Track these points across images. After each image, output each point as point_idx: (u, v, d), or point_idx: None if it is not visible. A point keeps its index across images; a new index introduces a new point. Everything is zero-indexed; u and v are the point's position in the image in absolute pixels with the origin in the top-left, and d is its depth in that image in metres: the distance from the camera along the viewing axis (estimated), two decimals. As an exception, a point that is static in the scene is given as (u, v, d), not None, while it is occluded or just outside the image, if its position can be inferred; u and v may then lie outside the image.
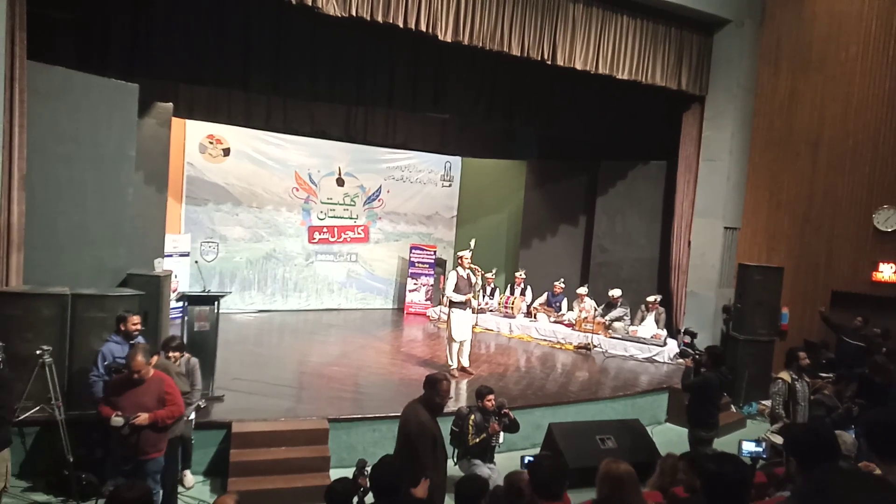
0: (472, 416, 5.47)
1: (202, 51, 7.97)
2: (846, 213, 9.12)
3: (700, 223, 9.94)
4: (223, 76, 8.37)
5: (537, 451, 6.05)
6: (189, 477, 5.53)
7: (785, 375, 5.75)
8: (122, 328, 5.41)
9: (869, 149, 8.93)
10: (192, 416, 5.47)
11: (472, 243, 8.44)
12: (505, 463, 5.06)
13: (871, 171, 8.92)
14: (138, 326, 5.50)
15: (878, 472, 3.27)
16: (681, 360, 9.10)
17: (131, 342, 5.40)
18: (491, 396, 5.52)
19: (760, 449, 3.83)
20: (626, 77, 8.84)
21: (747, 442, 3.83)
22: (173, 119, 9.19)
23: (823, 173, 9.34)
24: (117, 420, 4.24)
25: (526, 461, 3.74)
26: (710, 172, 9.84)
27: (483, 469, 5.36)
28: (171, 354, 5.37)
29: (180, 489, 5.41)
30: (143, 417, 4.26)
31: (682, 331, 8.49)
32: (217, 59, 8.09)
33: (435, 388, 4.24)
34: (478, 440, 5.39)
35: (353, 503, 3.83)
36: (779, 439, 5.34)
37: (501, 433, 5.51)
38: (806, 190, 9.50)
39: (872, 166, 8.91)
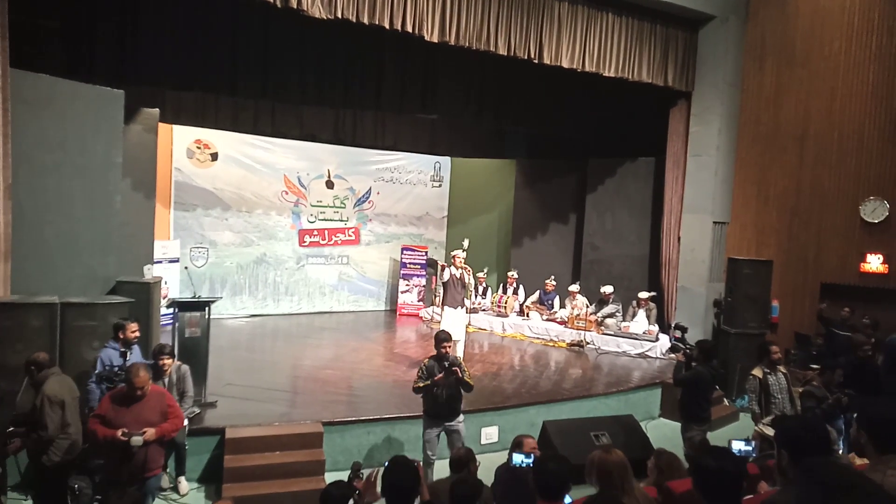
0: (426, 361, 5.49)
1: (189, 56, 7.93)
2: (833, 206, 9.20)
3: (689, 219, 10.00)
4: (210, 81, 8.34)
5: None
6: (184, 484, 5.50)
7: (757, 371, 5.81)
8: (122, 336, 5.41)
9: (854, 141, 9.01)
10: (186, 422, 5.44)
11: (466, 243, 8.45)
12: (500, 461, 5.04)
13: (857, 163, 9.00)
14: (137, 334, 5.50)
15: (860, 461, 3.31)
16: (672, 355, 9.18)
17: (123, 350, 5.39)
18: (447, 344, 5.47)
19: (750, 448, 3.84)
20: (612, 74, 8.88)
21: (736, 441, 3.84)
22: (160, 125, 9.15)
23: (810, 167, 9.42)
24: (137, 440, 4.07)
25: (516, 459, 3.73)
26: (697, 168, 9.90)
27: (431, 434, 5.40)
28: (163, 361, 5.36)
29: (175, 496, 5.39)
30: (150, 432, 4.16)
31: (673, 325, 8.55)
32: (204, 64, 8.06)
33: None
34: (421, 385, 5.37)
35: None
36: (771, 431, 5.38)
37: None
38: (793, 183, 9.58)
39: (858, 158, 8.99)
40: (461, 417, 5.59)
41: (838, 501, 1.41)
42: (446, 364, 5.36)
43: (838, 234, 9.15)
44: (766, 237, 9.84)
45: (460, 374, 5.35)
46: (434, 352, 5.54)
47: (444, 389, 5.35)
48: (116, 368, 5.15)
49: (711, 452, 2.32)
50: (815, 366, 7.71)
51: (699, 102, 9.88)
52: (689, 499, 3.07)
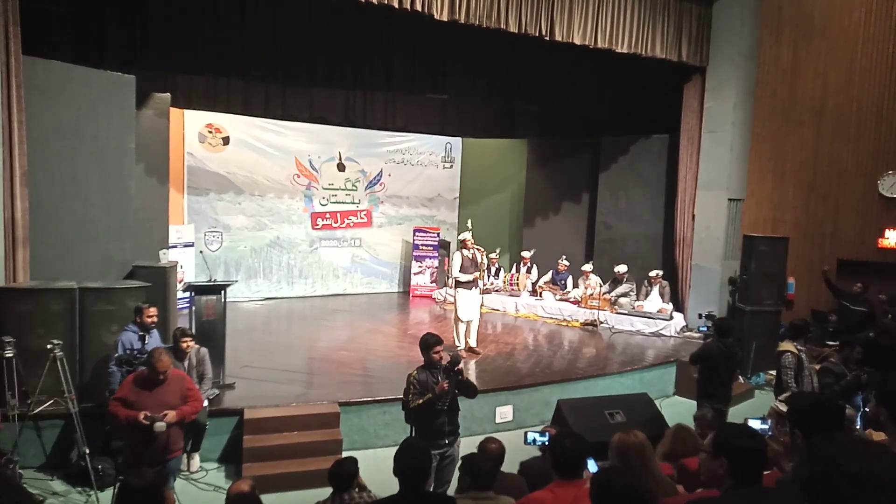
0: (415, 373, 4.55)
1: (199, 40, 7.92)
2: (851, 181, 9.06)
3: (704, 196, 9.89)
4: (220, 64, 8.33)
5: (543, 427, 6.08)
6: (196, 460, 5.60)
7: (791, 347, 5.76)
8: (139, 319, 5.50)
9: (873, 115, 8.84)
10: (206, 403, 5.53)
11: (469, 223, 8.46)
12: (515, 441, 5.09)
13: (876, 137, 8.84)
14: (154, 318, 5.58)
15: (877, 437, 3.30)
16: (687, 334, 9.20)
17: (142, 333, 5.48)
18: (439, 348, 4.58)
19: (766, 426, 3.84)
20: (625, 50, 8.73)
21: (753, 420, 3.86)
22: (171, 109, 9.17)
23: (828, 141, 9.26)
24: (161, 425, 4.13)
25: (530, 438, 3.74)
26: (712, 144, 9.76)
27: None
28: (186, 342, 5.43)
29: (189, 475, 5.48)
30: (171, 415, 4.23)
31: (705, 315, 8.55)
32: (214, 48, 8.04)
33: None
34: (421, 402, 4.41)
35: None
36: (785, 408, 5.36)
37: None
38: (810, 159, 9.43)
39: (877, 132, 8.83)
40: (460, 439, 4.74)
41: (848, 483, 1.40)
42: (448, 366, 4.50)
43: (856, 209, 9.02)
44: (783, 213, 9.73)
45: (465, 377, 4.60)
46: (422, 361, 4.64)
47: (446, 401, 4.50)
48: (136, 352, 5.25)
49: (744, 433, 2.31)
50: (831, 342, 7.66)
51: (714, 77, 9.70)
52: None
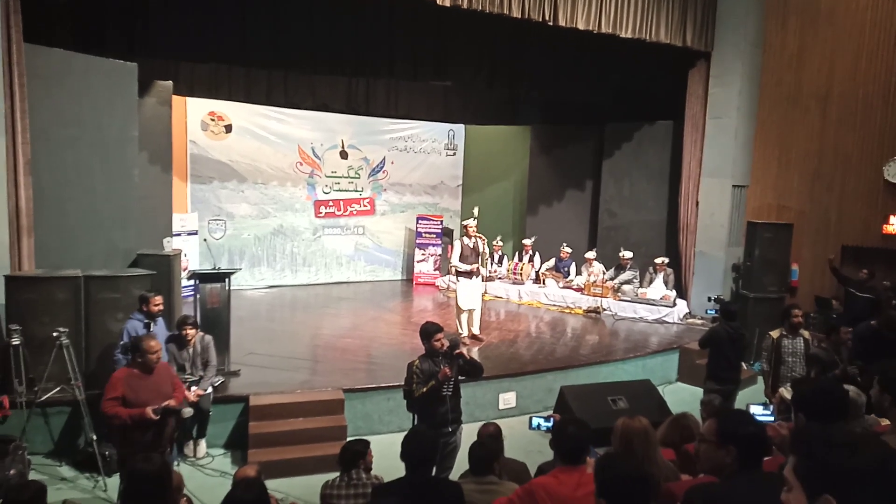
0: (417, 363, 4.56)
1: (200, 27, 7.88)
2: (856, 168, 9.00)
3: (708, 182, 9.84)
4: (222, 52, 8.29)
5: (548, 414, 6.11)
6: (202, 446, 5.66)
7: (774, 332, 5.83)
8: (145, 308, 5.52)
9: (879, 101, 8.76)
10: (210, 389, 5.57)
11: (476, 211, 8.44)
12: (518, 427, 5.12)
13: (882, 123, 8.76)
14: (160, 307, 5.61)
15: (884, 423, 3.30)
16: (690, 321, 9.19)
17: (147, 321, 5.51)
18: (440, 335, 4.57)
19: (769, 412, 3.85)
20: (629, 35, 8.65)
21: (755, 406, 3.86)
22: (174, 97, 9.14)
23: (833, 128, 9.19)
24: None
25: (534, 423, 3.77)
26: (717, 131, 9.70)
27: None
28: (186, 331, 5.46)
29: (195, 461, 5.54)
30: (173, 402, 4.29)
31: (714, 298, 8.55)
32: (215, 36, 8.00)
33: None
34: (425, 389, 4.43)
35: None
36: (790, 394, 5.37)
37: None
38: (815, 145, 9.37)
39: (883, 119, 8.75)
40: (462, 426, 4.77)
41: (839, 456, 1.41)
42: (448, 350, 4.53)
43: (861, 196, 8.97)
44: (787, 200, 9.68)
45: (467, 356, 4.66)
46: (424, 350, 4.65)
47: (450, 387, 4.53)
48: (145, 339, 5.27)
49: (746, 420, 2.31)
50: (833, 329, 7.65)
51: (719, 63, 9.62)
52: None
